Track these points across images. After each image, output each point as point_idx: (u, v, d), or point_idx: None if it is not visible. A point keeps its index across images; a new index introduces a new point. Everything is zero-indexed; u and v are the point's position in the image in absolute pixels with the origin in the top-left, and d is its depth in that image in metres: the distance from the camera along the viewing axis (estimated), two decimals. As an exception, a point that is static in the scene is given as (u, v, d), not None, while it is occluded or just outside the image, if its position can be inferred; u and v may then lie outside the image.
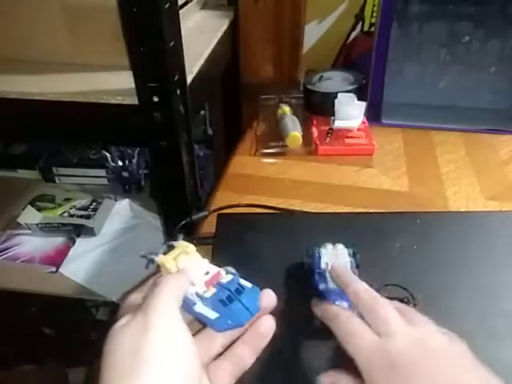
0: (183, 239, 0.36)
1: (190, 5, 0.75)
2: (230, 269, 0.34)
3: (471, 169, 0.68)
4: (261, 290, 0.33)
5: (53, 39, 0.58)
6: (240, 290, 0.31)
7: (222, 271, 0.34)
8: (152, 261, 0.34)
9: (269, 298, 0.33)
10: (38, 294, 0.77)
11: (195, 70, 0.60)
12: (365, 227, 0.53)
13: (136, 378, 0.23)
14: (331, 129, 0.74)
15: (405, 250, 0.50)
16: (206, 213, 0.57)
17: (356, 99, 0.72)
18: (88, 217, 0.86)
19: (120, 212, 0.92)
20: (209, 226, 0.55)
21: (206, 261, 0.34)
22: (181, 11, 0.55)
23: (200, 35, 0.73)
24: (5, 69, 0.58)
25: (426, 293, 0.44)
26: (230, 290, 0.31)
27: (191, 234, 0.55)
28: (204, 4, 0.85)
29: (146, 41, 0.45)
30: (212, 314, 0.30)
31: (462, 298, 0.45)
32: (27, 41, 0.59)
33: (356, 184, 0.65)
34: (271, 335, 0.32)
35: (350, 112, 0.72)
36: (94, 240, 0.85)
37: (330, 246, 0.44)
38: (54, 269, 0.79)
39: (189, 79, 0.55)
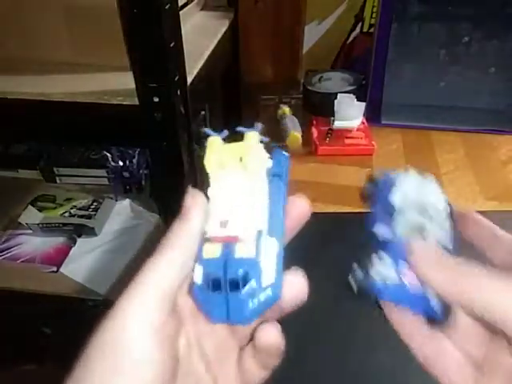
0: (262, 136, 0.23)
1: (190, 6, 0.75)
2: (265, 242, 0.22)
3: (470, 169, 0.68)
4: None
5: (54, 40, 0.58)
6: (244, 281, 0.20)
7: (247, 234, 0.21)
8: (205, 136, 0.23)
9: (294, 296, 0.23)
10: (38, 293, 0.77)
11: (195, 71, 0.60)
12: (365, 227, 0.53)
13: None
14: (331, 129, 0.74)
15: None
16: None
17: (356, 100, 0.72)
18: (89, 217, 0.86)
19: (120, 212, 0.92)
20: (209, 226, 0.55)
21: (260, 196, 0.22)
22: (181, 12, 0.55)
23: (200, 36, 0.73)
24: (5, 69, 0.58)
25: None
26: (225, 273, 0.20)
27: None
28: (204, 5, 0.85)
29: (146, 41, 0.46)
30: (197, 276, 0.21)
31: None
32: (28, 41, 0.59)
33: (356, 184, 0.65)
34: (278, 352, 0.23)
35: (350, 112, 0.73)
36: (95, 240, 0.85)
37: (413, 174, 0.25)
38: (54, 269, 0.79)
39: (189, 80, 0.55)
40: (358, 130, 0.74)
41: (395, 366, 0.41)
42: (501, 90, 0.78)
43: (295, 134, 0.71)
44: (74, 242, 0.84)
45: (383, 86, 0.76)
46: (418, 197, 0.25)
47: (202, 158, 0.23)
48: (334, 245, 0.51)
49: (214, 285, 0.21)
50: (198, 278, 0.21)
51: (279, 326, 0.23)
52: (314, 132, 0.75)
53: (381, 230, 0.25)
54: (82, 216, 0.86)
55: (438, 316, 0.23)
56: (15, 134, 0.67)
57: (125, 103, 0.52)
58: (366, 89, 0.77)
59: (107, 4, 0.52)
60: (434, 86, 0.80)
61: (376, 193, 0.26)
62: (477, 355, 0.24)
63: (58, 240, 0.84)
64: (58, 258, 0.81)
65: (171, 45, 0.47)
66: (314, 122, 0.77)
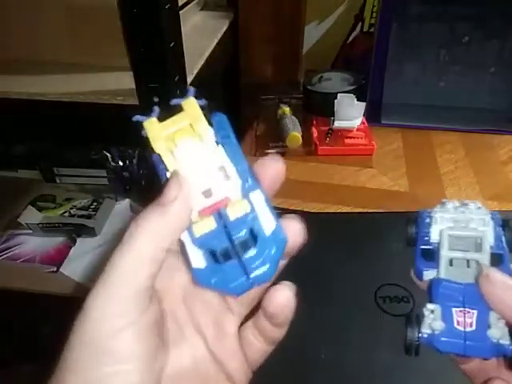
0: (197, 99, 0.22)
1: (190, 6, 0.75)
2: (252, 183, 0.21)
3: (470, 169, 0.68)
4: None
5: (54, 40, 0.58)
6: (249, 240, 0.20)
7: (234, 193, 0.21)
8: (139, 123, 0.23)
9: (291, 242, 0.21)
10: (38, 293, 0.77)
11: (195, 71, 0.60)
12: (365, 227, 0.53)
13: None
14: (331, 129, 0.74)
15: (404, 249, 0.50)
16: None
17: (356, 100, 0.72)
18: (89, 217, 0.86)
19: (120, 212, 0.92)
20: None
21: (224, 158, 0.21)
22: (181, 12, 0.55)
23: (200, 36, 0.73)
24: (5, 69, 0.58)
25: (425, 293, 0.44)
26: (231, 240, 0.20)
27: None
28: (204, 5, 0.85)
29: (146, 42, 0.46)
30: (196, 260, 0.20)
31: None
32: (28, 41, 0.59)
33: (356, 184, 0.65)
34: (289, 314, 0.22)
35: (350, 112, 0.73)
36: (95, 240, 0.85)
37: (450, 205, 0.26)
38: (54, 268, 0.79)
39: (189, 80, 0.55)
40: (358, 130, 0.74)
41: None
42: (501, 90, 0.78)
43: (295, 133, 0.71)
44: (74, 242, 0.84)
45: (383, 86, 0.76)
46: (456, 226, 0.25)
47: (148, 144, 0.21)
48: (335, 245, 0.51)
49: (225, 256, 0.20)
50: (199, 262, 0.20)
51: (292, 285, 0.22)
52: (314, 132, 0.75)
53: (425, 270, 0.26)
54: (81, 216, 0.86)
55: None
56: (15, 134, 0.67)
57: (125, 103, 0.52)
58: (366, 89, 0.77)
59: (107, 4, 0.52)
60: (434, 85, 0.80)
61: (416, 233, 0.27)
62: None
63: (58, 240, 0.84)
64: (57, 258, 0.81)
65: (171, 45, 0.47)
66: (314, 122, 0.77)
